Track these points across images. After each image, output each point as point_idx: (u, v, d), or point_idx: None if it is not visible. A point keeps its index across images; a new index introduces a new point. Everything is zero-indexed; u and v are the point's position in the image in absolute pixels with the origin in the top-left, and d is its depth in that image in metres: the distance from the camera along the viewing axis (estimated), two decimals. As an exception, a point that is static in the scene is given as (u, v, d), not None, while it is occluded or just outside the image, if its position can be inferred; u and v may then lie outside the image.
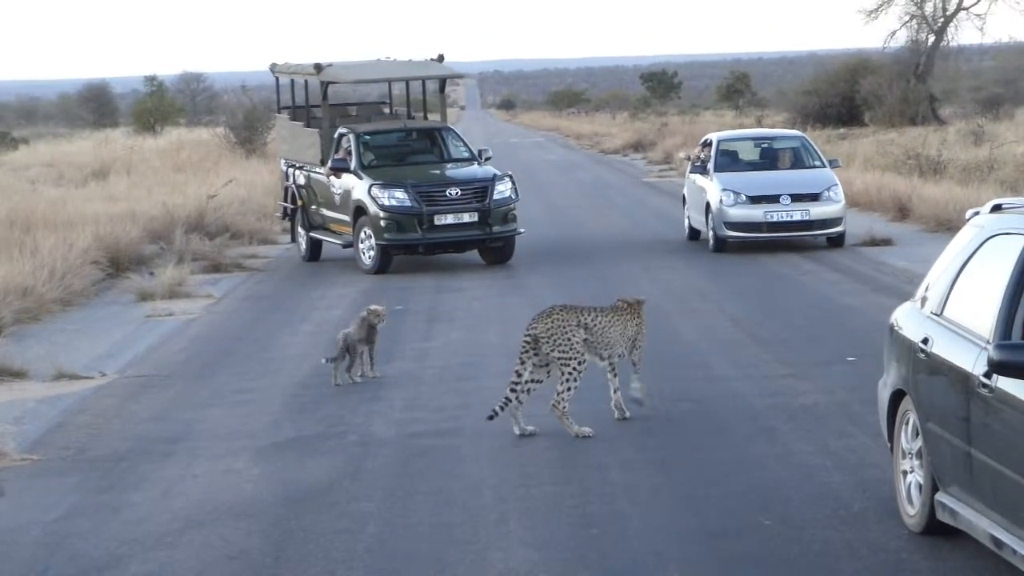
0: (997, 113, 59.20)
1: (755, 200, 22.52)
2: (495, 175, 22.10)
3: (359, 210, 21.84)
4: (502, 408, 11.01)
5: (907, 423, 8.36)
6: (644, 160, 51.64)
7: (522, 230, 22.49)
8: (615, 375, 11.42)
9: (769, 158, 24.47)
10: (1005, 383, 6.95)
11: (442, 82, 24.98)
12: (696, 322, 16.34)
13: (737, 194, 22.58)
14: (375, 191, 21.57)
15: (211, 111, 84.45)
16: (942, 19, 63.02)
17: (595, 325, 11.17)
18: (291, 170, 24.38)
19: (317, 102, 24.25)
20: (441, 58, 24.63)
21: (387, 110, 25.82)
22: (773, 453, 10.28)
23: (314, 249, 23.77)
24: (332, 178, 22.70)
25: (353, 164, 22.23)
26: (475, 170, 22.54)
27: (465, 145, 23.46)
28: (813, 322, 16.07)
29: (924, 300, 8.41)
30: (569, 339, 11.02)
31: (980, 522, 7.39)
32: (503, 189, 21.91)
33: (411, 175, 22.00)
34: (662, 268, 21.22)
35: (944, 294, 8.13)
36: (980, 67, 79.21)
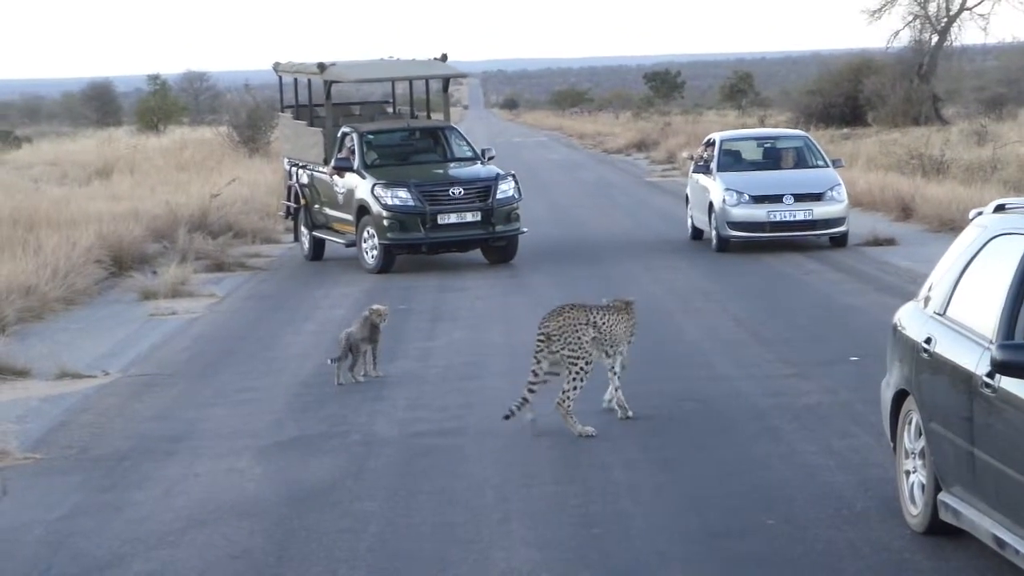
0: (1000, 113, 59.17)
1: (758, 200, 22.49)
2: (498, 174, 22.08)
3: (362, 209, 21.82)
4: (519, 408, 11.03)
5: (910, 423, 8.35)
6: (647, 160, 51.60)
7: (525, 229, 22.47)
8: (615, 374, 11.45)
9: (772, 158, 24.43)
10: (1008, 383, 6.95)
11: (445, 81, 24.97)
12: (699, 322, 16.34)
13: (740, 194, 22.55)
14: (378, 190, 21.56)
15: (214, 110, 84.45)
16: (945, 19, 63.03)
17: (603, 323, 11.26)
18: (294, 169, 24.36)
19: (320, 101, 24.21)
20: (444, 57, 24.62)
21: (390, 109, 25.81)
22: (776, 453, 10.28)
23: (317, 248, 23.76)
24: (335, 177, 22.68)
25: (356, 163, 22.21)
26: (478, 169, 22.53)
27: (468, 144, 23.44)
28: (816, 322, 16.06)
29: (927, 300, 8.41)
30: (579, 337, 11.07)
31: (983, 522, 7.38)
32: (506, 188, 21.89)
33: (414, 174, 21.98)
34: (665, 268, 21.21)
35: (947, 294, 8.13)
36: (983, 67, 79.07)
